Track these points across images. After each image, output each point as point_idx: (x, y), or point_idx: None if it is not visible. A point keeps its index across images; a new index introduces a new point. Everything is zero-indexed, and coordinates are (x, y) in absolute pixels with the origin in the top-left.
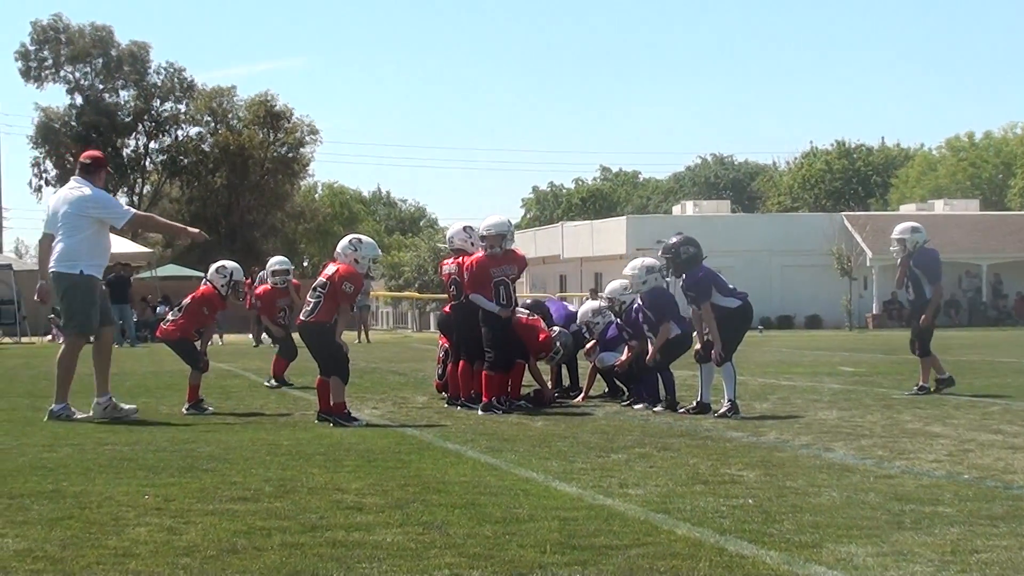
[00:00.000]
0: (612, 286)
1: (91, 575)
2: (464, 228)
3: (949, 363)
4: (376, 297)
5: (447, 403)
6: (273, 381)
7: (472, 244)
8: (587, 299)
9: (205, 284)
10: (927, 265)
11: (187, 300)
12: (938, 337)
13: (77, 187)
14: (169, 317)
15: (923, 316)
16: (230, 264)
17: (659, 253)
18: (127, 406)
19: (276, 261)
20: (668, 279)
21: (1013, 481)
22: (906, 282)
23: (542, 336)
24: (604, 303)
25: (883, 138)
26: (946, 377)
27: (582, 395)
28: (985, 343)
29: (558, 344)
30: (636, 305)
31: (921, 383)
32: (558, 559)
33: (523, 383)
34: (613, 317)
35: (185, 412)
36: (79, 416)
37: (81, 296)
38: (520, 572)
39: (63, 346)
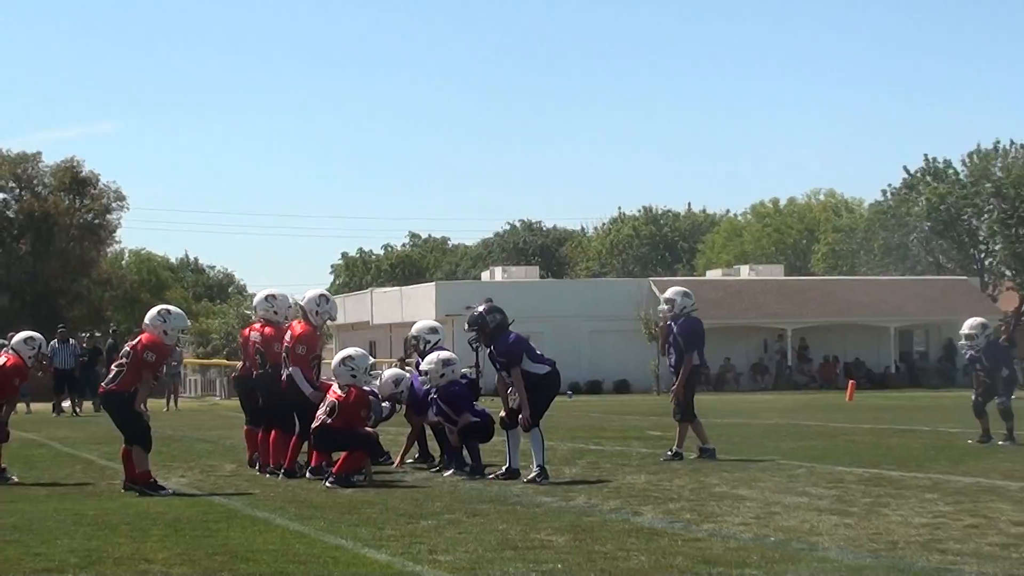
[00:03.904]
0: (385, 376)
1: None
2: (267, 297)
3: (755, 426)
4: (185, 364)
5: (258, 471)
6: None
7: (275, 312)
8: (393, 366)
9: (9, 354)
10: (687, 334)
11: None
12: (745, 400)
13: None
14: None
15: (675, 384)
16: (37, 336)
17: (465, 326)
18: None
19: (424, 328)
20: (477, 348)
21: (819, 543)
22: (669, 349)
23: None
24: (386, 403)
25: (689, 204)
26: (710, 448)
27: (397, 461)
28: (791, 406)
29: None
30: (422, 389)
31: (676, 448)
32: None
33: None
34: (419, 377)
35: None
36: None
37: None
38: None
39: None
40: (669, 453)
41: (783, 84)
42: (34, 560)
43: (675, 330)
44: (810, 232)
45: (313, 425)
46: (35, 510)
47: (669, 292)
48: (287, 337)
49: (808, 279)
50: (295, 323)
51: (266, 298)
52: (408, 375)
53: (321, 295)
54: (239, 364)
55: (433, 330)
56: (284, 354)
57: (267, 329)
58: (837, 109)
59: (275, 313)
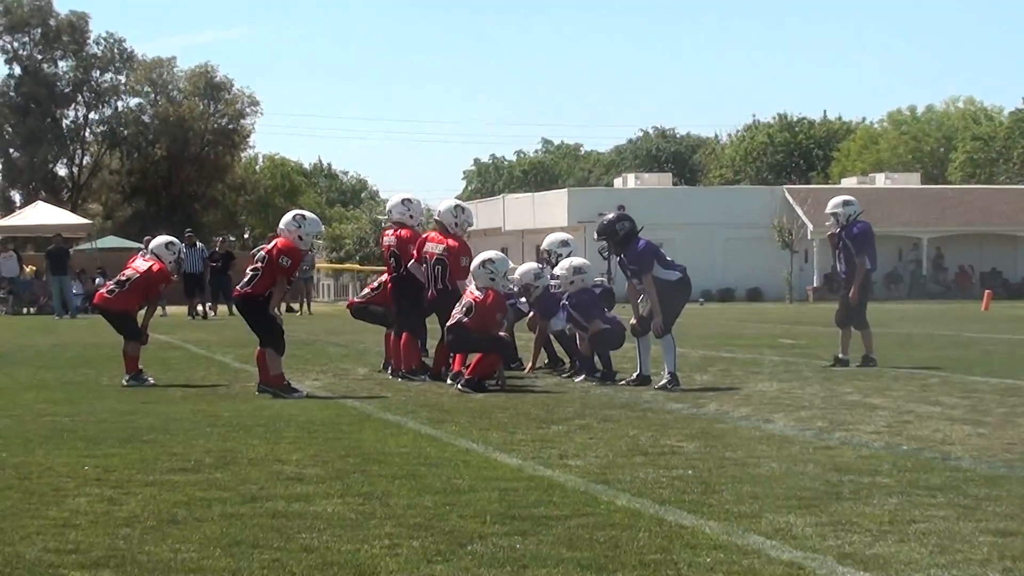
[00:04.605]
0: (522, 270)
1: (31, 545)
2: (403, 201)
3: (889, 336)
4: (318, 269)
5: (391, 375)
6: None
7: (411, 217)
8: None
9: (149, 258)
10: (856, 238)
11: (133, 274)
12: (879, 310)
13: None
14: (112, 287)
15: (851, 291)
16: (177, 241)
17: (595, 236)
18: None
19: (556, 241)
20: (608, 256)
21: (951, 452)
22: (839, 255)
23: None
24: (515, 288)
25: (825, 111)
26: (873, 358)
27: (529, 366)
28: (925, 316)
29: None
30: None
31: (840, 355)
32: (498, 529)
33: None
34: (550, 281)
35: (125, 384)
36: None
37: None
38: (460, 542)
39: None
40: (837, 358)
41: None
42: (171, 459)
43: (844, 236)
44: (948, 140)
45: (448, 323)
46: (171, 411)
47: (831, 206)
48: (441, 251)
49: (945, 188)
50: (448, 240)
51: (402, 201)
52: (548, 272)
53: (456, 205)
54: (365, 292)
55: (564, 243)
56: (437, 266)
57: (402, 232)
58: (977, 14)
59: (411, 217)
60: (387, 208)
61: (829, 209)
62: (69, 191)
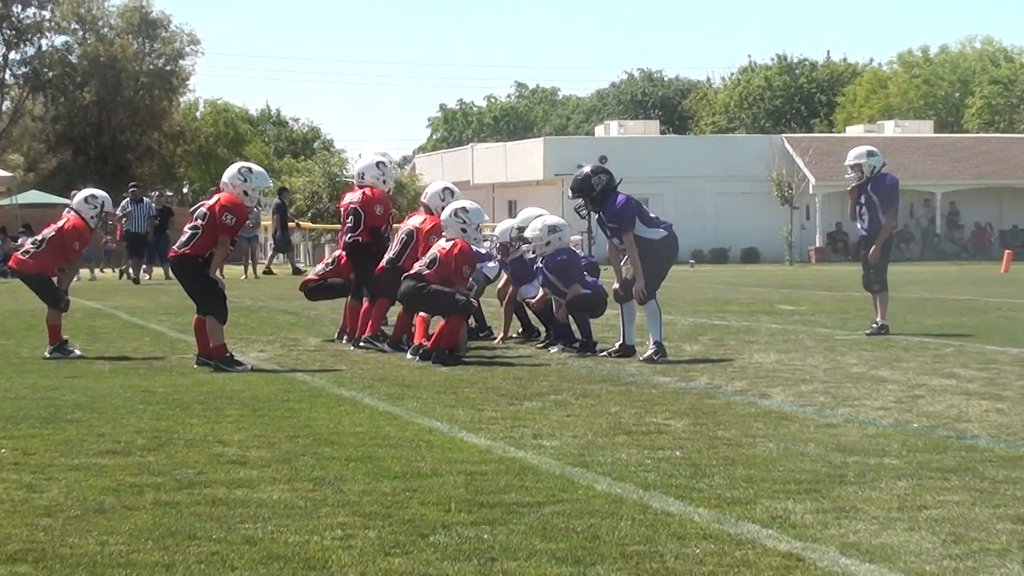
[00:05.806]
0: (502, 227)
1: None
2: (378, 164)
3: (899, 300)
4: (265, 228)
5: (347, 344)
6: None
7: (383, 182)
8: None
9: (70, 214)
10: (883, 192)
11: (50, 232)
12: (889, 271)
13: None
14: (29, 247)
15: (872, 249)
16: (100, 193)
17: (569, 193)
18: None
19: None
20: (587, 214)
21: (967, 430)
22: (860, 210)
23: None
24: (494, 248)
25: (828, 52)
26: (886, 324)
27: (501, 336)
28: (939, 279)
29: (472, 281)
30: (531, 258)
31: (880, 320)
32: (464, 518)
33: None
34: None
35: (48, 356)
36: None
37: None
38: (421, 532)
39: None
40: (875, 325)
41: None
42: (98, 441)
43: (869, 189)
44: (964, 84)
45: (407, 273)
46: (99, 387)
47: (851, 157)
48: (419, 223)
49: (960, 137)
50: (430, 217)
51: (377, 164)
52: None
53: (444, 188)
54: (319, 268)
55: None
56: (405, 237)
57: (369, 192)
58: None
59: (383, 182)
60: (358, 170)
61: (851, 160)
62: None
